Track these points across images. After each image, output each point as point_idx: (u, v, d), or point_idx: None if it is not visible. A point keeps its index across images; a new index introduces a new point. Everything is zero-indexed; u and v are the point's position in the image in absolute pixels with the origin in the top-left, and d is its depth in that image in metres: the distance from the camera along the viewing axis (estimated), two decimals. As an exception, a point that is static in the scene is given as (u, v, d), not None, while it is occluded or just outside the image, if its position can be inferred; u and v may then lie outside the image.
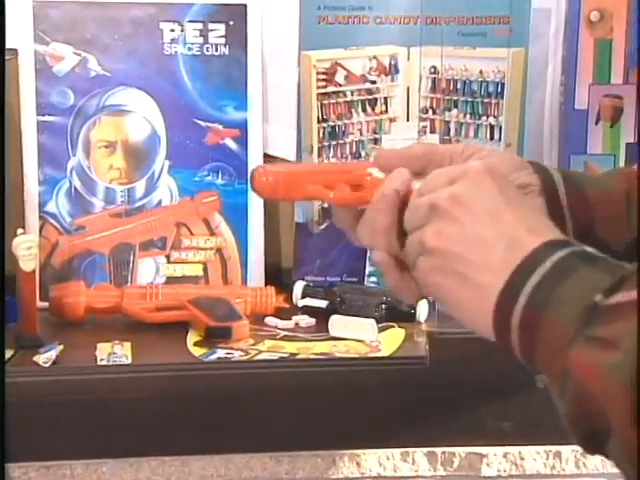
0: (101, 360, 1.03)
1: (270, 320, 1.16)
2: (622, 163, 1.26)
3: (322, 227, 1.26)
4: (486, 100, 1.24)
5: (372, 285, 1.25)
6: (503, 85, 1.23)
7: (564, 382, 0.56)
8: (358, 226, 0.70)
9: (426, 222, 0.63)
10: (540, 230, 0.60)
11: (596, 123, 1.27)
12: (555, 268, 0.57)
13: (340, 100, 1.25)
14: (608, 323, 0.54)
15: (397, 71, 1.25)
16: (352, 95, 1.25)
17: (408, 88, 1.25)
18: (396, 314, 1.15)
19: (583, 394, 0.54)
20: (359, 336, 1.09)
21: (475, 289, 0.60)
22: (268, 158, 1.27)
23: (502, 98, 1.24)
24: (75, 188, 1.23)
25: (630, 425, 0.52)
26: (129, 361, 1.03)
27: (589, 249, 0.58)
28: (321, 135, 1.26)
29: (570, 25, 1.26)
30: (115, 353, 1.04)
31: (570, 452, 1.05)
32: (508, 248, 0.59)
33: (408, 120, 1.26)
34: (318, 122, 1.25)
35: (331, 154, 1.26)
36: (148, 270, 1.24)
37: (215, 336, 1.09)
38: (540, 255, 0.58)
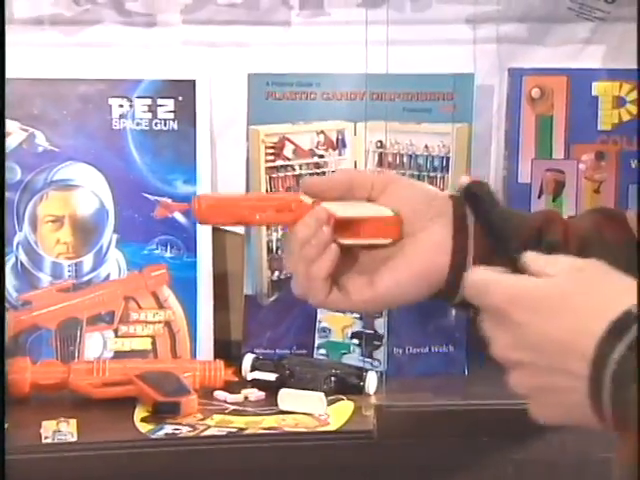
0: (46, 438, 1.01)
1: (219, 394, 1.15)
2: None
3: (271, 299, 1.27)
4: (432, 174, 1.26)
5: (321, 357, 1.25)
6: (448, 159, 1.26)
7: None
8: (285, 247, 0.73)
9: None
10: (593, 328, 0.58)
11: (539, 197, 1.29)
12: (619, 372, 0.57)
13: (289, 174, 1.26)
14: None
15: (344, 145, 1.27)
16: (300, 169, 1.27)
17: (355, 162, 1.27)
18: (345, 386, 1.16)
19: None
20: (308, 410, 1.09)
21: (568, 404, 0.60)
22: (217, 231, 1.27)
23: (447, 172, 1.26)
24: (21, 263, 1.22)
25: None
26: (75, 439, 1.02)
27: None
28: (270, 208, 1.26)
29: (512, 102, 1.29)
30: (60, 431, 1.03)
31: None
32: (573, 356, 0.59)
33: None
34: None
35: (280, 227, 1.27)
36: (95, 345, 1.23)
37: (163, 412, 1.08)
38: (602, 356, 0.57)
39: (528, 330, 0.60)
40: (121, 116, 1.24)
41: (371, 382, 1.16)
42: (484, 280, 0.64)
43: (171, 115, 1.25)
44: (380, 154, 1.26)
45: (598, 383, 0.57)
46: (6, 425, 1.00)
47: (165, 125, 1.25)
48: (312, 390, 1.12)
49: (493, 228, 0.72)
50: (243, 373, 1.19)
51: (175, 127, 1.25)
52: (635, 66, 1.24)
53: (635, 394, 0.56)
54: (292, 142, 1.26)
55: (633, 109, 1.28)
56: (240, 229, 1.28)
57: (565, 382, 0.59)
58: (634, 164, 1.28)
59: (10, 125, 1.22)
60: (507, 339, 0.62)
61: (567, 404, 0.60)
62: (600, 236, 0.75)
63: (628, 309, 0.57)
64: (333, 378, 1.16)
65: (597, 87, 1.28)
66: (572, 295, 0.60)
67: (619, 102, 1.28)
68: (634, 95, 1.27)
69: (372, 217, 0.73)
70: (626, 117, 1.28)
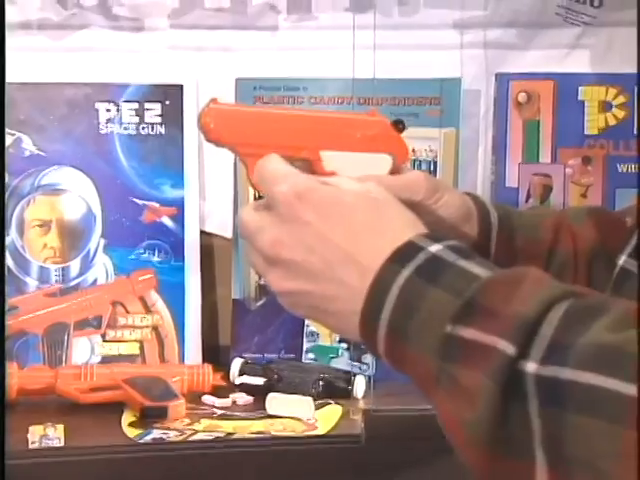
0: (33, 443, 1.01)
1: (207, 398, 1.15)
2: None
3: (259, 304, 1.27)
4: (419, 178, 1.26)
5: (309, 361, 1.25)
6: (436, 164, 1.26)
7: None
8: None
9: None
10: (377, 245, 0.57)
11: (526, 201, 1.30)
12: (402, 297, 0.55)
13: (276, 178, 1.26)
14: (465, 364, 0.53)
15: (332, 150, 1.27)
16: (288, 173, 1.27)
17: (343, 166, 1.27)
18: (333, 390, 1.16)
19: (448, 438, 0.54)
20: (296, 414, 1.09)
21: (335, 314, 0.58)
22: (204, 235, 1.27)
23: (435, 177, 1.26)
24: (8, 267, 1.22)
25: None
26: (62, 444, 1.01)
27: (436, 249, 0.56)
28: (257, 212, 1.26)
29: (499, 106, 1.29)
30: (47, 435, 1.02)
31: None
32: (351, 268, 0.56)
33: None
34: (254, 199, 1.26)
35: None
36: (83, 350, 1.23)
37: (150, 416, 1.08)
38: (385, 280, 0.55)
39: (309, 229, 0.58)
40: (108, 120, 1.24)
41: (359, 386, 1.16)
42: (279, 169, 0.61)
43: (158, 119, 1.25)
44: (368, 158, 1.26)
45: (378, 302, 0.55)
46: (-7, 430, 1.01)
47: (152, 129, 1.25)
48: (300, 394, 1.12)
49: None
50: (231, 377, 1.19)
51: (162, 131, 1.25)
52: (621, 70, 1.25)
53: (416, 327, 0.54)
54: (280, 146, 1.26)
55: (619, 113, 1.28)
56: (228, 232, 1.28)
57: (337, 291, 0.57)
58: (620, 168, 1.29)
59: (-3, 129, 1.22)
60: (282, 235, 0.58)
61: (334, 312, 0.58)
62: (604, 248, 0.78)
63: (411, 240, 0.56)
64: (321, 382, 1.16)
65: (583, 92, 1.28)
66: (361, 210, 0.58)
67: (605, 106, 1.28)
68: (620, 99, 1.28)
69: None
70: (612, 121, 1.28)
